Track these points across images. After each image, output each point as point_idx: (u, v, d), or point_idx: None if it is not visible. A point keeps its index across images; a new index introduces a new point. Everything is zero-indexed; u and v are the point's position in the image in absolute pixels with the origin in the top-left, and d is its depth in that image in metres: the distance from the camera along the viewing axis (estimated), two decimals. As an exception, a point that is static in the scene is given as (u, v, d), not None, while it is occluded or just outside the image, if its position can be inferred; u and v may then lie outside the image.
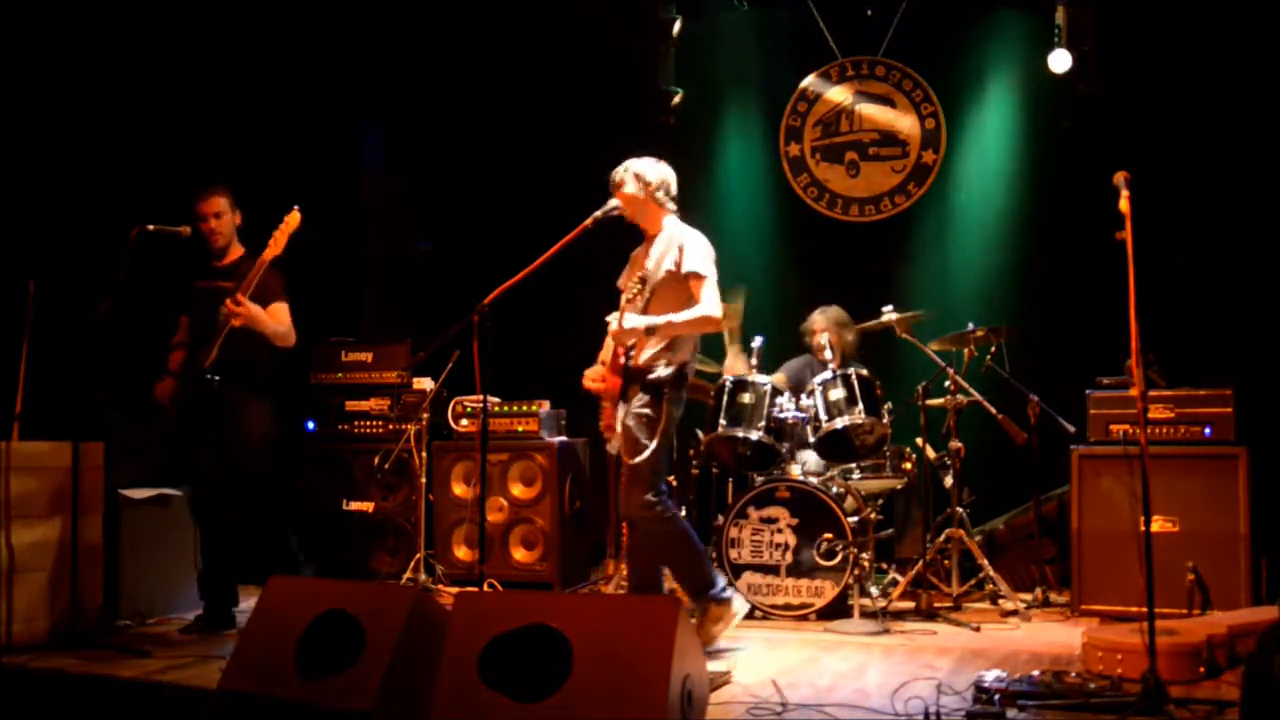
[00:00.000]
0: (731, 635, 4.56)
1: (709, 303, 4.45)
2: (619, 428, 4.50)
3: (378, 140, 7.68)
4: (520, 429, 6.19)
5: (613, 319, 4.54)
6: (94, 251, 5.18)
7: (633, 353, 4.49)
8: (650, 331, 4.45)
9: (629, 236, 4.78)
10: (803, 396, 5.49)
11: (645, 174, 4.62)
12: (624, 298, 4.56)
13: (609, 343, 4.62)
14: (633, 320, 4.46)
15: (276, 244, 4.90)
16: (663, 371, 4.46)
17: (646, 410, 4.43)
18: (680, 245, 4.53)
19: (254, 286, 4.86)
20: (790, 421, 5.45)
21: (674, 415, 4.49)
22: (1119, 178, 3.69)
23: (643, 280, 4.55)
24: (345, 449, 6.41)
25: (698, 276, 4.47)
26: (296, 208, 4.96)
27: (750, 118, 7.33)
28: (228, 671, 3.50)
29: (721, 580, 4.56)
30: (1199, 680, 3.76)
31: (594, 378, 4.70)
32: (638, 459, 4.40)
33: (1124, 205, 3.61)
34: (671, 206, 4.67)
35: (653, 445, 4.39)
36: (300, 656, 3.37)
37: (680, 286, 4.50)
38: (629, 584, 4.79)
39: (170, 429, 5.18)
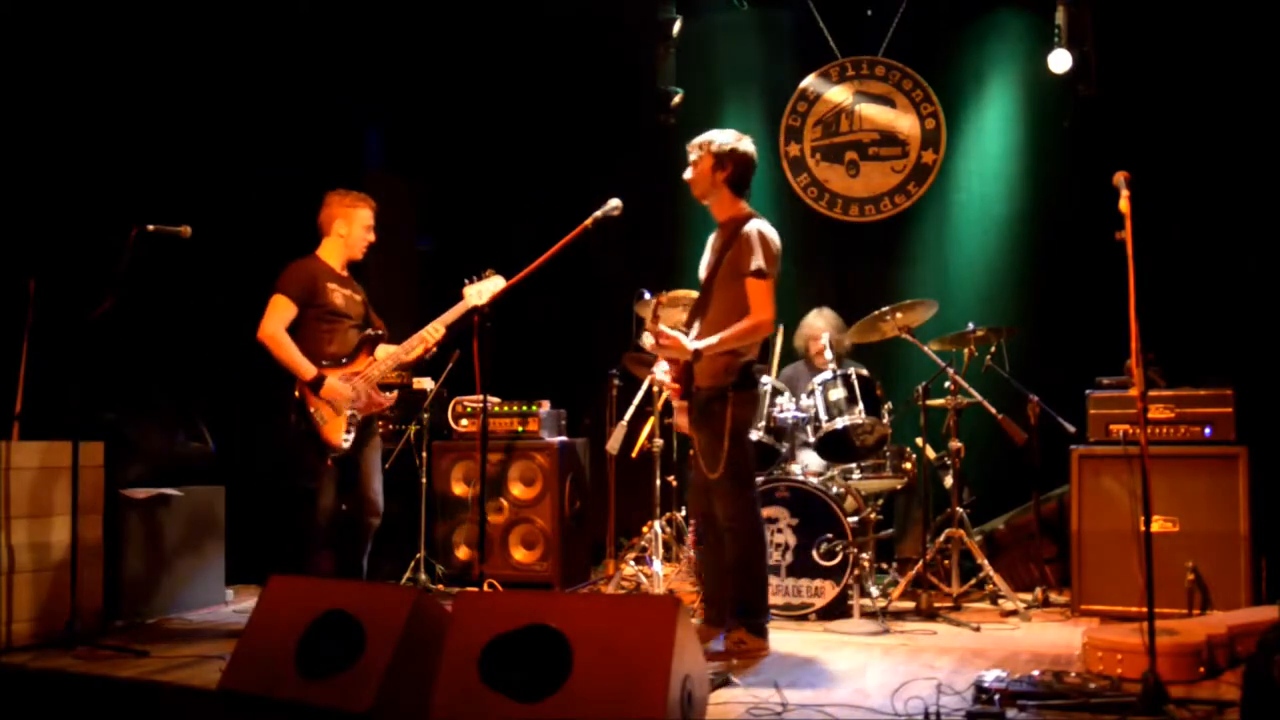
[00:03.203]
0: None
1: (760, 307, 4.20)
2: (690, 430, 4.37)
3: (378, 140, 7.67)
4: (520, 429, 6.19)
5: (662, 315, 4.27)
6: (94, 251, 5.18)
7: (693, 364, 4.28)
8: (697, 356, 4.24)
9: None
10: (803, 397, 5.51)
11: (721, 149, 4.30)
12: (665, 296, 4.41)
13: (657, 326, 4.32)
14: (677, 338, 4.25)
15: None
16: (725, 377, 4.31)
17: (713, 417, 4.28)
18: (744, 239, 4.24)
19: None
20: (790, 422, 5.46)
21: (742, 418, 4.30)
22: (1119, 178, 3.69)
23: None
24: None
25: (756, 276, 4.20)
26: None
27: (750, 118, 7.32)
28: (228, 671, 3.50)
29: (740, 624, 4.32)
30: (1199, 680, 3.76)
31: (665, 382, 4.47)
32: (714, 474, 4.25)
33: (1124, 205, 3.61)
34: (741, 193, 4.37)
35: (724, 455, 4.21)
36: (300, 656, 3.36)
37: (739, 287, 4.26)
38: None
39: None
